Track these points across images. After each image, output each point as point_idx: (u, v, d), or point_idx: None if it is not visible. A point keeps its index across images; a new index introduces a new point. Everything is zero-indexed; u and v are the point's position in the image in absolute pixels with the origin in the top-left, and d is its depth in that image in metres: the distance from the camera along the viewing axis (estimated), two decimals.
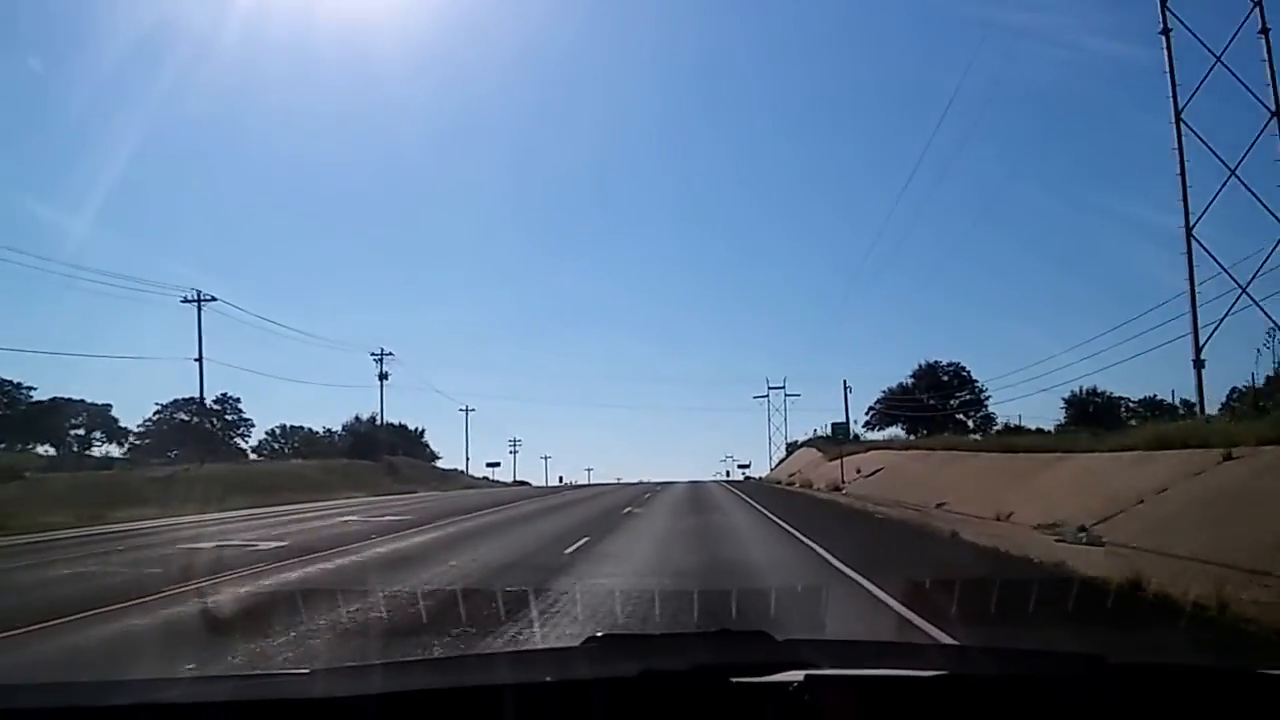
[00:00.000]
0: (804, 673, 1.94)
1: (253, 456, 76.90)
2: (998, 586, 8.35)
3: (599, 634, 2.77)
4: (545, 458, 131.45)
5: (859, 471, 42.48)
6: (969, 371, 68.98)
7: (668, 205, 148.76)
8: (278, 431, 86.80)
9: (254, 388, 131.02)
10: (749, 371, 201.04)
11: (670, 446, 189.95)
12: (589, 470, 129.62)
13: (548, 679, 2.09)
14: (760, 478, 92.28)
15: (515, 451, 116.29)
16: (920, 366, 69.75)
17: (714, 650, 2.29)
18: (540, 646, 6.93)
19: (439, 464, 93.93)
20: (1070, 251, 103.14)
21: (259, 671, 5.88)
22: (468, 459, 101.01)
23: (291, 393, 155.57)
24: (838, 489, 39.75)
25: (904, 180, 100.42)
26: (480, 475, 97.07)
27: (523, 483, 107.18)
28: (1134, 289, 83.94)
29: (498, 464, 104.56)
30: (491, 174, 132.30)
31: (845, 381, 54.21)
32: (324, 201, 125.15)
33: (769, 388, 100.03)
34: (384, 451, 73.67)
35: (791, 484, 56.10)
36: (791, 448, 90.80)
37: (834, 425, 50.08)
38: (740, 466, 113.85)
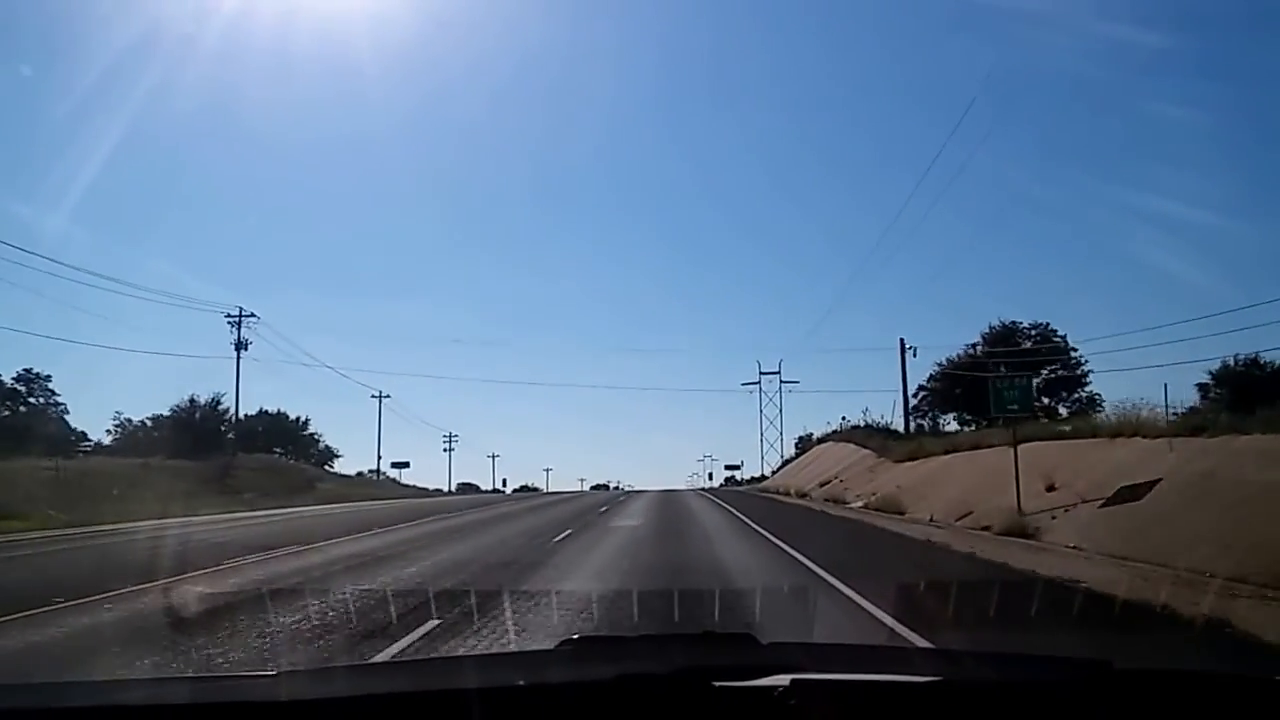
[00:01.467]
0: (790, 677, 1.87)
1: (104, 454, 55.40)
2: None
3: (574, 635, 2.68)
4: (493, 456, 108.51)
5: (1051, 489, 18.14)
6: (1064, 337, 45.10)
7: (652, 177, 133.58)
8: (149, 422, 64.72)
9: (103, 365, 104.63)
10: (733, 351, 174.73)
11: (640, 445, 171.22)
12: (548, 471, 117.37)
13: (519, 683, 2.01)
14: (754, 478, 78.26)
15: (450, 449, 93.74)
16: (993, 328, 47.63)
17: (695, 653, 2.22)
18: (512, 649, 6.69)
19: (337, 465, 76.45)
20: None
21: (222, 674, 5.77)
22: (379, 457, 78.19)
23: (156, 371, 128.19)
24: (1026, 533, 15.89)
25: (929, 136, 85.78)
26: (412, 481, 79.76)
27: (470, 486, 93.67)
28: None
29: (406, 464, 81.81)
30: (449, 157, 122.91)
31: (903, 340, 37.49)
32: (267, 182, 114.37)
33: (760, 373, 78.79)
34: (234, 447, 55.08)
35: (840, 499, 32.59)
36: (803, 444, 70.11)
37: (998, 383, 20.61)
38: (728, 468, 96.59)
